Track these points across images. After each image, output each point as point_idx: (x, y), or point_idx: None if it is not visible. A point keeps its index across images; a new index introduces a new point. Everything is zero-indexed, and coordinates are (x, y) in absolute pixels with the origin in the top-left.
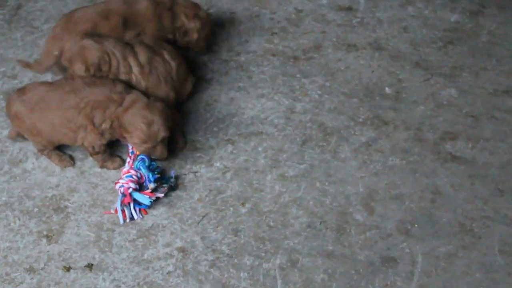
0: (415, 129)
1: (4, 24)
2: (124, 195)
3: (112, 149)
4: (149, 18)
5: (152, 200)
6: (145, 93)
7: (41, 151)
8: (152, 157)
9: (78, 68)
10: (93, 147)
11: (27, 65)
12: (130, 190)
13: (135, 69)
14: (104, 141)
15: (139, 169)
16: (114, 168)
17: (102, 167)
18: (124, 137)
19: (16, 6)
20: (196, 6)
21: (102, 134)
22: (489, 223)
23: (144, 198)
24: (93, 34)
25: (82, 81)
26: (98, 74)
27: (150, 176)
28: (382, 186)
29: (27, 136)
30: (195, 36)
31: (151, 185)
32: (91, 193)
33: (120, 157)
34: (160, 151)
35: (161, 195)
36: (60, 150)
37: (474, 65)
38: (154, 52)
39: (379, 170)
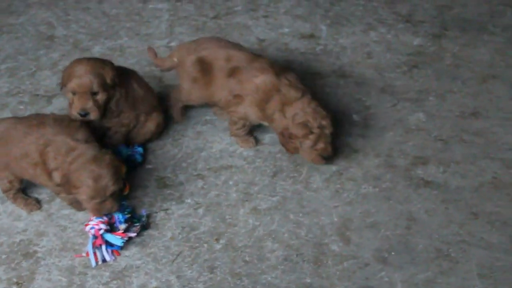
0: (385, 155)
1: None
2: (95, 237)
3: None
4: (255, 91)
5: (124, 241)
6: (99, 144)
7: (6, 191)
8: (101, 213)
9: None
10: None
11: (154, 56)
12: (102, 231)
13: None
14: (54, 184)
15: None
16: (83, 210)
17: (72, 206)
18: (71, 193)
19: None
20: (319, 114)
21: (51, 176)
22: (466, 247)
23: (116, 239)
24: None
25: (53, 117)
26: None
27: (121, 216)
28: (357, 214)
29: None
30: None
31: (122, 226)
32: (60, 236)
33: None
34: (109, 206)
35: (133, 234)
36: (26, 194)
37: (439, 88)
38: None
39: (352, 199)
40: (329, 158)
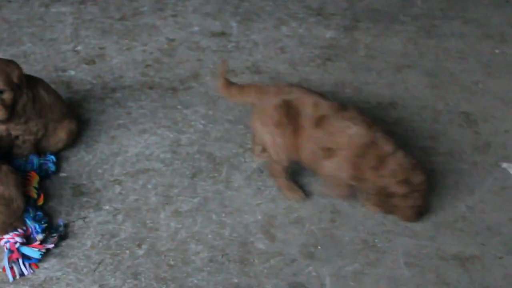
0: None
1: None
2: (11, 251)
3: None
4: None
5: (42, 253)
6: None
7: None
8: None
9: None
10: None
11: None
12: (17, 245)
13: None
14: None
15: (24, 221)
16: None
17: None
18: None
19: None
20: (414, 169)
21: None
22: (391, 237)
23: (33, 251)
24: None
25: None
26: None
27: (37, 227)
28: (280, 211)
29: None
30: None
31: (39, 236)
32: None
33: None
34: (18, 223)
35: (51, 246)
36: None
37: (355, 80)
38: None
39: (274, 196)
40: (425, 213)
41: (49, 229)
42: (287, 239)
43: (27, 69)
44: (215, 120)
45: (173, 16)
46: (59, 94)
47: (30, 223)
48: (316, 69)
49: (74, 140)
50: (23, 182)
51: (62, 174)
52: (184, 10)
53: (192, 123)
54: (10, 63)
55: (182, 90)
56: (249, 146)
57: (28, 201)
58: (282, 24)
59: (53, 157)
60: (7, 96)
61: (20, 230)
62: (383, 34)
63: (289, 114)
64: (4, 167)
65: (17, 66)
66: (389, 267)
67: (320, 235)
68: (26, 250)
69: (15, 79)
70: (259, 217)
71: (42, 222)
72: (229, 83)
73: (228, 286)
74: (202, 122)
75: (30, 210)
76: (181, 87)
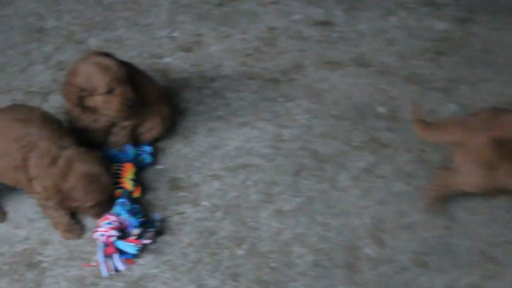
0: (417, 150)
1: None
2: (106, 244)
3: None
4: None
5: (139, 248)
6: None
7: None
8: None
9: None
10: (40, 201)
11: (419, 115)
12: (113, 238)
13: None
14: (35, 193)
15: (119, 214)
16: (65, 237)
17: (55, 228)
18: (70, 206)
19: None
20: None
21: (30, 183)
22: None
23: (129, 246)
24: None
25: (40, 113)
26: None
27: (134, 220)
28: (390, 215)
29: None
30: None
31: (136, 231)
32: (67, 244)
33: (79, 224)
34: (107, 206)
35: (148, 241)
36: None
37: (471, 77)
38: None
39: (384, 198)
40: None
41: (145, 224)
42: (397, 246)
43: (122, 55)
44: (319, 114)
45: (274, 3)
46: (152, 77)
47: (126, 216)
48: (428, 63)
49: (170, 128)
50: (117, 173)
51: (158, 167)
52: None
53: (295, 117)
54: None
55: (284, 82)
56: (356, 144)
57: (124, 193)
58: (390, 14)
59: (149, 148)
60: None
61: (115, 223)
62: (501, 28)
63: (504, 153)
64: (81, 148)
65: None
66: (510, 282)
67: (434, 243)
68: (122, 244)
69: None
70: (367, 220)
71: (139, 216)
72: (427, 124)
73: None
74: (305, 116)
75: (126, 203)
76: (282, 79)
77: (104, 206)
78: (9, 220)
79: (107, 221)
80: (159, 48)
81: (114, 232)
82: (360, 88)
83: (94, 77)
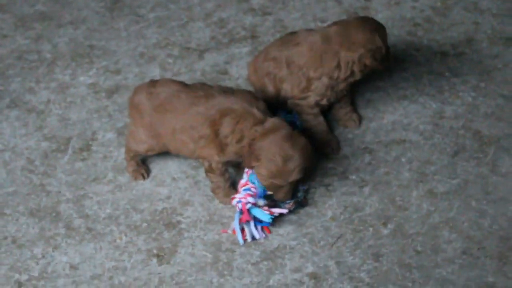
0: None
1: (105, 12)
2: (241, 212)
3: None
4: None
5: (272, 217)
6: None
7: (132, 153)
8: (273, 197)
9: None
10: (210, 163)
11: None
12: (249, 205)
13: None
14: (223, 158)
15: (253, 182)
16: (222, 202)
17: (213, 192)
18: (251, 164)
19: None
20: None
21: (223, 148)
22: None
23: (264, 215)
24: None
25: (219, 88)
26: None
27: (261, 191)
28: None
29: (133, 136)
30: None
31: (260, 202)
32: (207, 207)
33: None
34: (284, 193)
35: (285, 211)
36: (143, 163)
37: None
38: None
39: None
40: None
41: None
42: None
43: (285, 16)
44: (487, 93)
45: None
46: None
47: (257, 184)
48: None
49: None
50: None
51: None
52: None
53: (460, 94)
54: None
55: (452, 56)
56: None
57: None
58: None
59: None
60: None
61: (253, 190)
62: None
63: None
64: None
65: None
66: None
67: None
68: (257, 212)
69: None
70: None
71: None
72: None
73: (481, 284)
74: (472, 94)
75: None
76: (452, 52)
77: (282, 190)
78: (152, 177)
79: (245, 187)
80: (324, 12)
81: (251, 199)
82: None
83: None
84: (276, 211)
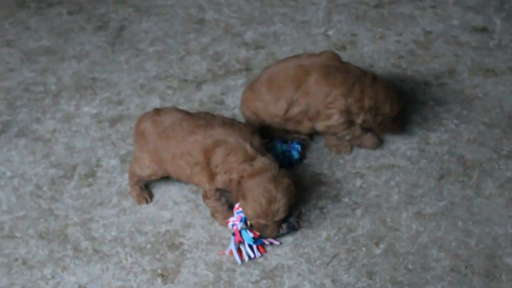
0: None
1: (107, 46)
2: (234, 234)
3: None
4: None
5: (254, 240)
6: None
7: (135, 177)
8: (258, 234)
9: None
10: (205, 190)
11: None
12: (239, 227)
13: None
14: (213, 186)
15: None
16: (222, 225)
17: (212, 216)
18: (237, 201)
19: (118, 27)
20: None
21: (212, 177)
22: None
23: (248, 237)
24: None
25: (221, 119)
26: None
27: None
28: None
29: (138, 161)
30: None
31: (240, 225)
32: (208, 229)
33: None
34: (270, 231)
35: (276, 242)
36: (146, 187)
37: None
38: None
39: None
40: None
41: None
42: None
43: (277, 49)
44: (469, 121)
45: (432, 7)
46: None
47: None
48: None
49: None
50: None
51: (303, 161)
52: (444, 2)
53: (444, 121)
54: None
55: (435, 86)
56: (504, 152)
57: None
58: None
59: (298, 146)
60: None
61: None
62: None
63: None
64: (281, 170)
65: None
66: None
67: None
68: (244, 234)
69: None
70: (510, 230)
71: None
72: None
73: None
74: (455, 121)
75: None
76: (434, 83)
77: (266, 229)
78: (155, 201)
79: (238, 210)
80: (313, 45)
81: (241, 222)
82: None
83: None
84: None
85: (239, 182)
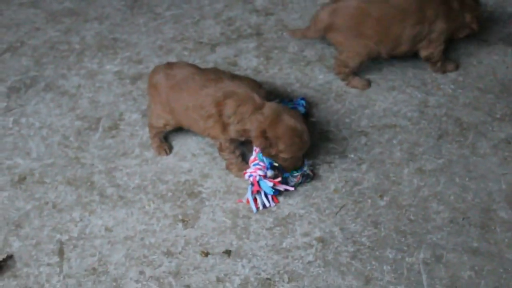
0: None
1: (126, 10)
2: (253, 184)
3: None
4: None
5: (275, 189)
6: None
7: (154, 129)
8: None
9: None
10: (220, 143)
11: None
12: (258, 178)
13: None
14: (227, 136)
15: (262, 159)
16: (237, 176)
17: (227, 168)
18: (272, 154)
19: None
20: None
21: (225, 128)
22: None
23: (267, 186)
24: None
25: (230, 74)
26: None
27: (269, 164)
28: None
29: (152, 112)
30: None
31: (269, 173)
32: (224, 179)
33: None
34: (300, 162)
35: (291, 188)
36: (166, 139)
37: None
38: None
39: None
40: None
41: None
42: None
43: (285, 17)
44: (465, 86)
45: None
46: None
47: (265, 158)
48: None
49: None
50: None
51: (311, 119)
52: None
53: (441, 86)
54: None
55: None
56: (498, 115)
57: None
58: None
59: (303, 101)
60: None
61: (261, 164)
62: None
63: None
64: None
65: None
66: None
67: None
68: (263, 184)
69: None
70: (504, 186)
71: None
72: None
73: (467, 249)
74: (452, 86)
75: None
76: None
77: (298, 160)
78: (175, 153)
79: (254, 163)
80: None
81: (260, 172)
82: (506, 65)
83: None
84: (283, 187)
85: (265, 138)
